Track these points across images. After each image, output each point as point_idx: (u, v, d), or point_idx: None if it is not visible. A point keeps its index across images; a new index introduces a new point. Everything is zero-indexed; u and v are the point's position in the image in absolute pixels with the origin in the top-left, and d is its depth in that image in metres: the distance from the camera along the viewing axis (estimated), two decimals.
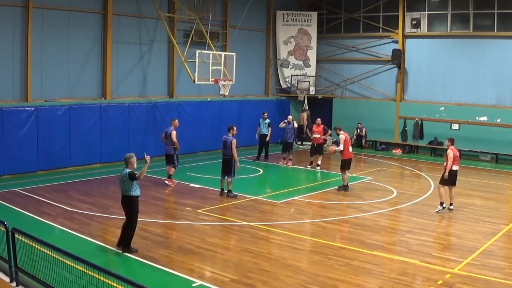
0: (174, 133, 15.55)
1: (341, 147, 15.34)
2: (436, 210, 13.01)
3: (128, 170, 9.37)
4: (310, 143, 19.68)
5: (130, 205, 9.49)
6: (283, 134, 20.02)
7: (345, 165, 15.40)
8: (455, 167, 13.06)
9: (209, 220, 11.99)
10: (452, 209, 13.10)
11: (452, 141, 13.30)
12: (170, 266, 8.94)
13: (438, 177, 17.90)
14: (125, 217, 9.71)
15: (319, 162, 19.01)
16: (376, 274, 8.81)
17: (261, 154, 20.47)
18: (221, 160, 14.55)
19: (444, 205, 13.01)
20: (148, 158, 9.67)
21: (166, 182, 15.65)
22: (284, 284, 8.29)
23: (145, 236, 10.57)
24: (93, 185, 15.34)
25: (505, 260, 9.87)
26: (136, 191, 9.46)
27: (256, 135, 20.46)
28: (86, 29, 18.23)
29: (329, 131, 19.51)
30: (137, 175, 9.27)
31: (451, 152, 12.95)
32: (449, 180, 13.03)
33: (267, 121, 20.18)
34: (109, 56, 18.83)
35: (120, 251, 9.52)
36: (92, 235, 10.52)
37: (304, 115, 24.72)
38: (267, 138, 20.05)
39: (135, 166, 9.53)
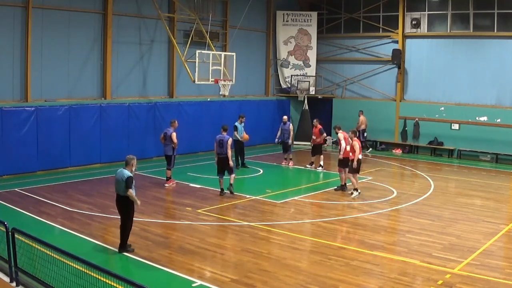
0: (174, 134, 15.50)
1: (344, 145, 15.02)
2: (353, 195, 14.37)
3: (127, 174, 9.34)
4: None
5: (126, 205, 9.49)
6: (281, 135, 19.33)
7: (342, 164, 15.27)
8: (360, 156, 14.51)
9: (209, 220, 11.99)
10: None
11: (355, 133, 14.73)
12: (170, 266, 8.95)
13: (439, 177, 18.15)
14: (120, 218, 9.71)
15: (321, 163, 18.83)
16: (376, 274, 8.81)
17: (239, 162, 18.64)
18: (216, 160, 14.50)
19: (358, 190, 14.48)
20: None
21: (165, 185, 15.48)
22: (284, 284, 8.29)
23: (145, 236, 10.58)
24: (93, 185, 15.34)
25: (505, 260, 9.87)
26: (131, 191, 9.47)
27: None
28: (86, 29, 18.24)
29: (324, 133, 19.20)
30: (129, 194, 9.25)
31: (357, 143, 14.31)
32: (358, 168, 14.51)
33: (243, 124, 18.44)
34: (109, 56, 18.83)
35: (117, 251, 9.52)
36: (92, 235, 10.52)
37: None
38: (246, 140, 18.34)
39: (133, 168, 9.60)
